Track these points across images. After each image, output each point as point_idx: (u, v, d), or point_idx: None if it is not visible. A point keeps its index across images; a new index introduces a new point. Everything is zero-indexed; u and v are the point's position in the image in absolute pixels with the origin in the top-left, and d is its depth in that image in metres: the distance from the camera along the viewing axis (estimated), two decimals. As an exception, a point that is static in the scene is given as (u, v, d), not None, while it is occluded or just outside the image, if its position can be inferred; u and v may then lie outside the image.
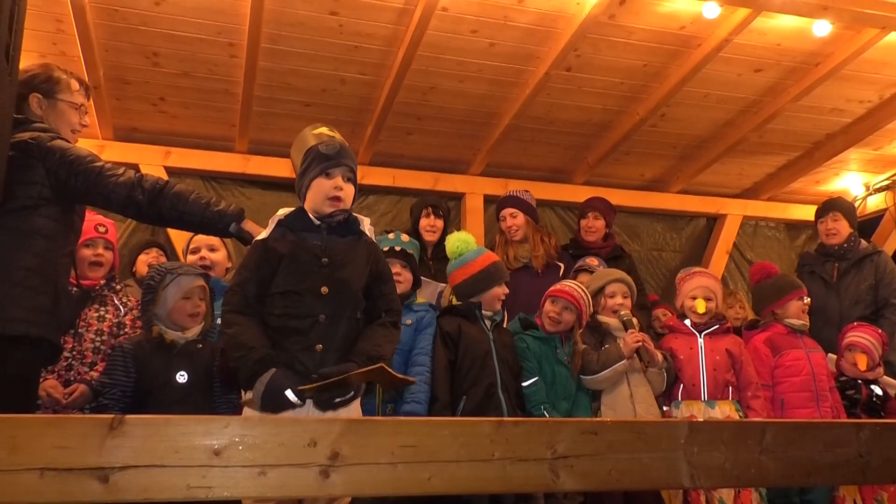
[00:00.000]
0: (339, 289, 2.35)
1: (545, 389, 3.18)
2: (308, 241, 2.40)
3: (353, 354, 2.32)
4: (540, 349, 3.27)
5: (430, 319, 3.16)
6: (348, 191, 2.45)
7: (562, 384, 3.24)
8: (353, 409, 2.34)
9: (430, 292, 3.65)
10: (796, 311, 3.79)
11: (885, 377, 3.82)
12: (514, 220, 4.22)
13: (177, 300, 2.79)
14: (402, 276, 3.18)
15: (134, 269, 3.90)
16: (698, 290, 3.58)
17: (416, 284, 3.32)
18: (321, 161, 2.41)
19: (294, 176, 2.54)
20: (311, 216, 2.44)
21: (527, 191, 4.40)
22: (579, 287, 3.41)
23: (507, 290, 3.28)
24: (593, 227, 4.44)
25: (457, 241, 3.37)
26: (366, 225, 2.54)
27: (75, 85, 2.62)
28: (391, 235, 3.36)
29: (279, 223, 2.44)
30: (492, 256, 3.36)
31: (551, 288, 3.43)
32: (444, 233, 4.21)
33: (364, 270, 2.44)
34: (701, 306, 3.53)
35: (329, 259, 2.37)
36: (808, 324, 3.85)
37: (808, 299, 3.88)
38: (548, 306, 3.37)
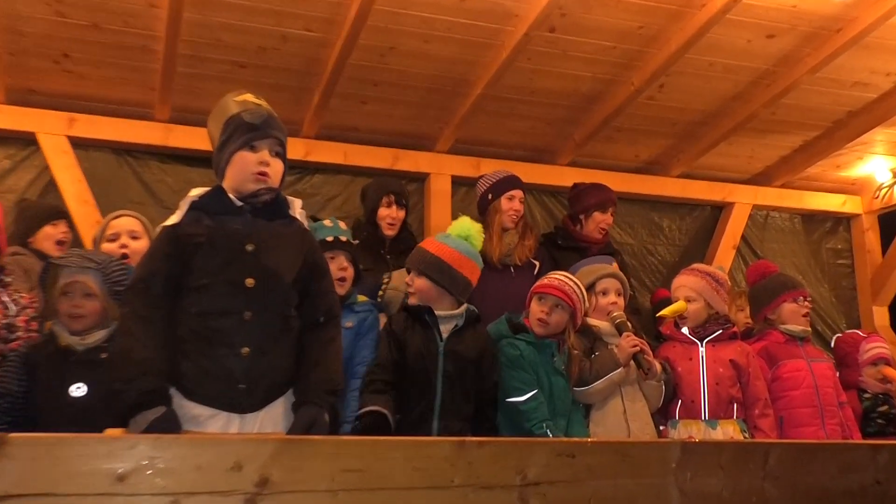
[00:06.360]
0: (266, 280, 2.34)
1: (546, 405, 3.11)
2: (228, 226, 2.37)
3: (310, 390, 2.32)
4: (535, 356, 3.18)
5: (372, 321, 3.16)
6: (276, 167, 2.44)
7: (560, 398, 3.17)
8: (276, 418, 2.32)
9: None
10: (791, 314, 3.82)
11: None
12: (522, 205, 4.17)
13: (54, 297, 2.69)
14: (347, 273, 3.17)
15: (31, 240, 3.73)
16: (679, 291, 3.61)
17: (358, 280, 3.31)
18: (245, 131, 2.39)
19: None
20: (231, 196, 2.41)
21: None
22: (569, 279, 3.31)
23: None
24: (609, 222, 4.45)
25: (468, 228, 3.22)
26: (297, 208, 2.53)
27: None
28: (327, 222, 3.32)
29: (192, 206, 2.40)
30: (477, 271, 3.20)
31: (536, 284, 3.36)
32: (404, 225, 4.18)
33: (296, 260, 2.43)
34: (680, 306, 3.53)
35: (254, 245, 2.35)
36: (810, 329, 3.87)
37: (808, 300, 3.89)
38: (534, 306, 3.27)
